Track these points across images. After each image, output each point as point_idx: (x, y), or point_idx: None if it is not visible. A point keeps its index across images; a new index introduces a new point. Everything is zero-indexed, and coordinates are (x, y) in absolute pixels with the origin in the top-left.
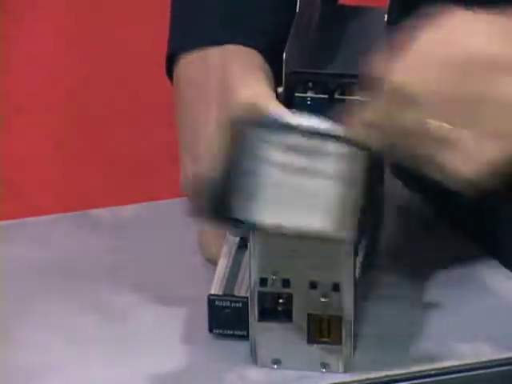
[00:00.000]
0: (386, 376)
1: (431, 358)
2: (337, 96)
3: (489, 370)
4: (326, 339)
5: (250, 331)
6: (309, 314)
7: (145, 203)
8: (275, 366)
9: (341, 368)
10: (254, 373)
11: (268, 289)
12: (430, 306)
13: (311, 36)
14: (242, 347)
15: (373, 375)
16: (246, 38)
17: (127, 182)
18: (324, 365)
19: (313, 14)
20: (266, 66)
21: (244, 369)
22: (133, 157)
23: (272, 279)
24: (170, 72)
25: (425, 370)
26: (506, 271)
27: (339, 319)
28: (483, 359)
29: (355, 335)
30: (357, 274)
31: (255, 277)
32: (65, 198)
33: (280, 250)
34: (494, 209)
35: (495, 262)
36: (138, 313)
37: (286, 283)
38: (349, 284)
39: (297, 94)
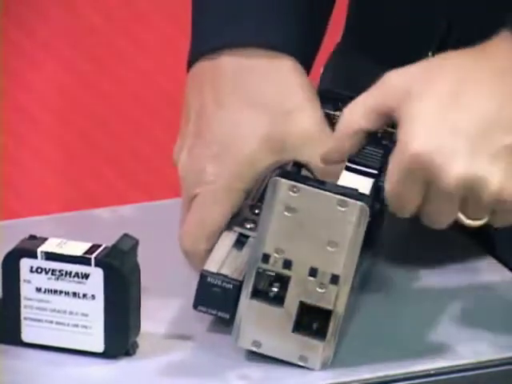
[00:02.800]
0: (386, 376)
1: (431, 358)
2: None
3: (489, 370)
4: (311, 332)
5: (239, 308)
6: (301, 302)
7: (145, 203)
8: (253, 348)
9: (318, 365)
10: (254, 372)
11: (268, 266)
12: (429, 306)
13: (352, 57)
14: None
15: (373, 375)
16: (285, 44)
17: (127, 182)
18: (302, 358)
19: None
20: (309, 81)
21: (244, 368)
22: (133, 157)
23: (275, 257)
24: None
25: (425, 370)
26: (506, 271)
27: (329, 314)
28: (483, 359)
29: (343, 335)
30: (356, 272)
31: (259, 251)
32: (65, 198)
33: (291, 228)
34: None
35: (495, 262)
36: None
37: (288, 264)
38: (348, 279)
39: (325, 110)
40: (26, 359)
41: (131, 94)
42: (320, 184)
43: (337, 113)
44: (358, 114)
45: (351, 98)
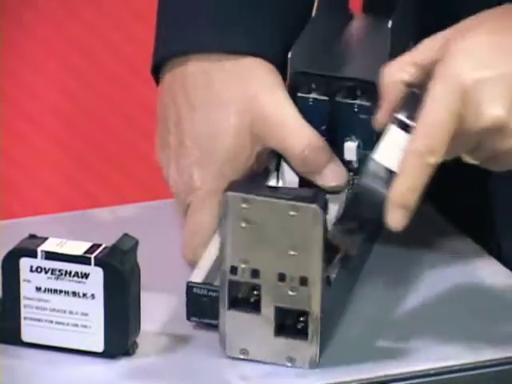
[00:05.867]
0: (386, 376)
1: (431, 358)
2: (339, 99)
3: (489, 370)
4: (292, 333)
5: (220, 319)
6: (276, 307)
7: (145, 203)
8: (242, 356)
9: (306, 365)
10: (254, 372)
11: (238, 277)
12: (429, 305)
13: (318, 38)
14: None
15: (373, 375)
16: (253, 43)
17: (127, 181)
18: (290, 359)
19: (324, 19)
20: (280, 78)
21: (244, 368)
22: (133, 157)
23: (242, 268)
24: (157, 71)
25: (425, 370)
26: (506, 271)
27: (306, 315)
28: (483, 359)
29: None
30: (331, 273)
31: (226, 265)
32: (65, 198)
33: (252, 239)
34: (494, 207)
35: (495, 262)
36: None
37: (256, 273)
38: (316, 279)
39: (300, 94)
40: (26, 359)
41: (131, 93)
42: (272, 191)
43: (311, 95)
44: (395, 67)
45: (323, 77)
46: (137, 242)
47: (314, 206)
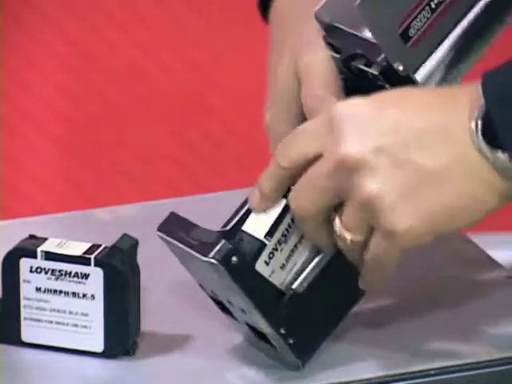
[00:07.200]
0: (386, 376)
1: (431, 358)
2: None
3: (489, 370)
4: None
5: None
6: (246, 323)
7: (145, 203)
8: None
9: (290, 367)
10: (254, 372)
11: (215, 297)
12: (428, 305)
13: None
14: (241, 347)
15: (373, 375)
16: None
17: (127, 181)
18: (281, 361)
19: None
20: None
21: (244, 368)
22: (133, 157)
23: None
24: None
25: (425, 370)
26: (506, 271)
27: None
28: (483, 359)
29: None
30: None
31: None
32: (65, 198)
33: (209, 275)
34: None
35: (495, 262)
36: None
37: (215, 294)
38: (253, 312)
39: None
40: (26, 359)
41: (131, 94)
42: (186, 235)
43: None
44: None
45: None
46: (137, 242)
47: (207, 259)
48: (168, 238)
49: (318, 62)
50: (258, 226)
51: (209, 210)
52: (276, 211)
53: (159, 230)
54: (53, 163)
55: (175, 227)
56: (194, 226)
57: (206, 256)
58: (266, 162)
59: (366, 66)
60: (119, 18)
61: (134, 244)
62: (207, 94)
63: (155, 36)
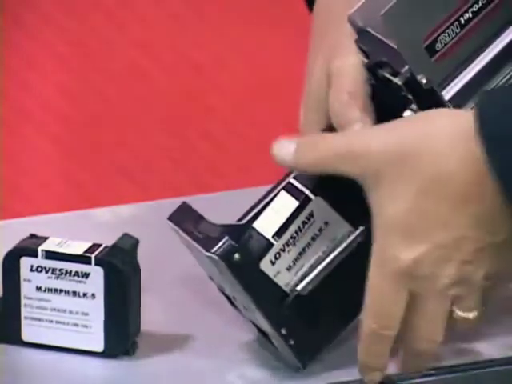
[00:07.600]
0: (386, 376)
1: (431, 358)
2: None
3: (489, 370)
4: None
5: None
6: (250, 320)
7: (145, 203)
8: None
9: (291, 367)
10: (254, 372)
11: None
12: None
13: None
14: (241, 347)
15: None
16: None
17: (127, 182)
18: (283, 360)
19: None
20: None
21: (244, 368)
22: (133, 157)
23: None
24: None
25: (425, 370)
26: None
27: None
28: (483, 359)
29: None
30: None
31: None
32: (65, 198)
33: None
34: None
35: None
36: None
37: (222, 288)
38: (253, 307)
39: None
40: (26, 359)
41: (131, 94)
42: (194, 227)
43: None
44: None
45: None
46: (137, 242)
47: (210, 254)
48: (176, 228)
49: (349, 66)
50: (268, 224)
51: (209, 210)
52: (288, 212)
53: (169, 218)
54: (53, 163)
55: (185, 218)
56: (203, 218)
57: (208, 251)
58: (266, 162)
59: (391, 75)
60: (119, 18)
61: (135, 243)
62: (207, 94)
63: (155, 36)
